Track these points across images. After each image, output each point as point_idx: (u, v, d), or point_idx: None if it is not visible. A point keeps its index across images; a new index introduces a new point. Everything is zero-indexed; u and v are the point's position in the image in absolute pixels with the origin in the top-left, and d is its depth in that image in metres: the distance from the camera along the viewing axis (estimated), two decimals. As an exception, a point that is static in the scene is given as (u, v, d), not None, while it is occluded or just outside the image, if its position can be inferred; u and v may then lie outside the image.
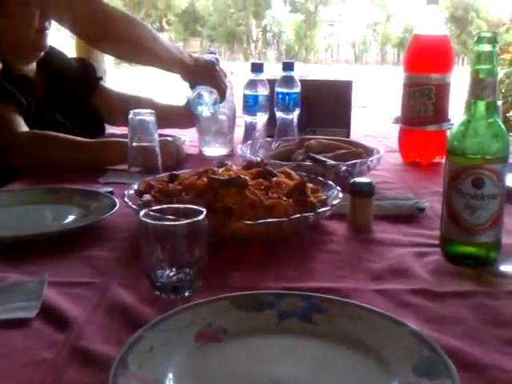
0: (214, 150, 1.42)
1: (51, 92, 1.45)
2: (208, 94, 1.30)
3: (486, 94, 0.70)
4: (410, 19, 22.86)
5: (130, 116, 1.15)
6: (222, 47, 23.26)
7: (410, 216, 0.93)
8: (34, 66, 1.42)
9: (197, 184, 0.85)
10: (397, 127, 1.44)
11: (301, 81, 1.73)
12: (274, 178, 0.88)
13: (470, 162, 0.70)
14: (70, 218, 0.91)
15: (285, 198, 0.82)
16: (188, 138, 1.51)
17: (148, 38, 1.28)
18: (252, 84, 1.34)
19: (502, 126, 0.71)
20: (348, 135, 1.68)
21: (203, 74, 1.32)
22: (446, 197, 0.74)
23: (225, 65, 1.36)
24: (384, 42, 22.85)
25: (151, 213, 0.66)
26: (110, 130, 1.72)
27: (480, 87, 0.70)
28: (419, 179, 1.21)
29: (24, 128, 1.27)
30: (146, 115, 1.15)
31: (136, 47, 1.27)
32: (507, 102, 4.34)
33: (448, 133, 0.79)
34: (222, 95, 1.33)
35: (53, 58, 1.46)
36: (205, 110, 1.31)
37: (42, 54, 1.40)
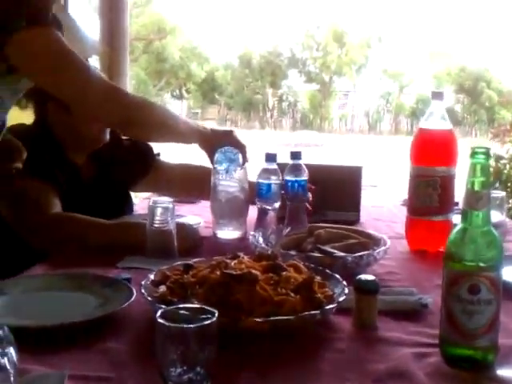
0: (228, 233, 1.47)
1: (99, 177, 1.54)
2: (231, 153, 1.38)
3: (480, 205, 0.75)
4: (423, 90, 23.42)
5: (150, 204, 1.23)
6: (239, 115, 23.91)
7: (413, 312, 0.96)
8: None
9: (210, 277, 0.90)
10: (405, 210, 1.48)
11: (312, 166, 1.81)
12: (284, 273, 0.93)
13: (467, 268, 0.75)
14: (90, 306, 0.96)
15: (293, 295, 0.87)
16: (202, 219, 1.57)
17: (166, 117, 1.37)
18: (265, 173, 1.41)
19: (496, 235, 0.76)
20: (358, 219, 1.74)
21: (222, 137, 1.40)
22: (444, 300, 0.78)
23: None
24: (397, 111, 23.32)
25: (167, 312, 0.71)
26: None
27: (475, 198, 0.76)
28: (425, 270, 1.24)
29: (55, 209, 1.35)
30: (166, 203, 1.22)
31: (156, 128, 1.35)
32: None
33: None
34: (244, 154, 1.41)
35: (104, 144, 1.54)
36: (230, 169, 1.38)
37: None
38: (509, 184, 4.37)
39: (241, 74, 23.62)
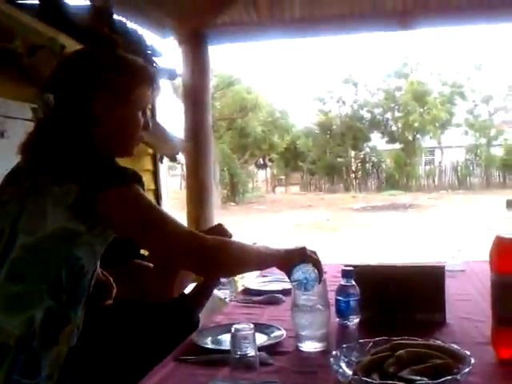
0: (310, 345, 1.50)
1: None
2: (308, 270, 1.42)
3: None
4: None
5: (233, 331, 1.29)
6: (322, 179, 24.01)
7: None
8: None
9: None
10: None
11: (395, 267, 1.82)
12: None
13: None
14: None
15: None
16: (285, 332, 1.61)
17: (243, 252, 1.44)
18: (343, 289, 1.45)
19: None
20: (444, 320, 1.71)
21: (296, 256, 1.45)
22: None
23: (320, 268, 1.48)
24: (487, 164, 22.47)
25: None
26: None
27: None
28: (514, 389, 1.20)
29: None
30: (247, 330, 1.28)
31: (236, 265, 1.43)
32: None
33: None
34: (320, 268, 1.45)
35: None
36: (309, 286, 1.42)
37: None
38: None
39: (322, 141, 23.91)
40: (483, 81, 24.25)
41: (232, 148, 20.30)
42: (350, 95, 24.71)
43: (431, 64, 24.38)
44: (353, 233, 11.41)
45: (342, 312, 1.43)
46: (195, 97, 4.38)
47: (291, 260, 1.43)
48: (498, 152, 22.78)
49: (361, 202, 17.74)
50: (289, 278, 1.45)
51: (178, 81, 4.71)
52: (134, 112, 1.36)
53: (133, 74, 1.37)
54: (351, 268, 1.46)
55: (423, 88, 23.13)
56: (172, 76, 4.33)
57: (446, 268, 2.35)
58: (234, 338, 1.28)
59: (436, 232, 10.41)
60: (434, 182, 22.80)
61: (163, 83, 4.78)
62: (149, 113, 1.45)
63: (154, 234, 1.26)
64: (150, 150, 4.19)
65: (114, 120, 1.33)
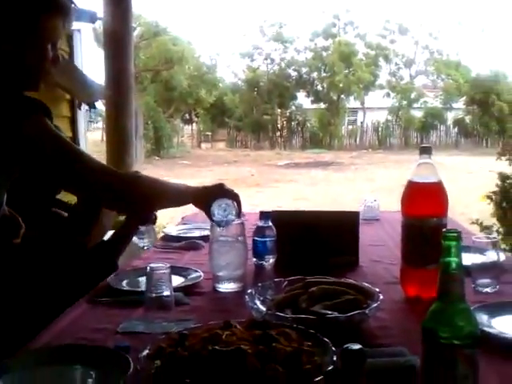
0: (227, 285, 1.51)
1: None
2: (227, 205, 1.42)
3: (455, 285, 0.79)
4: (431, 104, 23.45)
5: (148, 270, 1.27)
6: (249, 136, 24.05)
7: (403, 374, 0.98)
8: None
9: (201, 354, 0.93)
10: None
11: (310, 213, 1.85)
12: (274, 344, 0.96)
13: (443, 345, 0.78)
14: (89, 381, 1.00)
15: (281, 369, 0.90)
16: (203, 274, 1.61)
17: (156, 187, 1.42)
18: (260, 230, 1.46)
19: (472, 312, 0.79)
20: (357, 262, 1.77)
21: (213, 191, 1.45)
22: (422, 372, 0.81)
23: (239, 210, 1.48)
24: (407, 125, 23.28)
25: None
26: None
27: (449, 279, 0.79)
28: (418, 322, 1.26)
29: None
30: (163, 269, 1.26)
31: (149, 200, 1.41)
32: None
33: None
34: (238, 202, 1.45)
35: None
36: (229, 219, 1.42)
37: None
38: (517, 203, 4.36)
39: (249, 98, 23.80)
40: (406, 45, 24.92)
41: (157, 101, 19.77)
42: (278, 53, 24.64)
43: (358, 26, 24.71)
44: (276, 187, 11.61)
45: (259, 252, 1.45)
46: (116, 43, 4.20)
47: (209, 195, 1.42)
48: (417, 114, 23.64)
49: (285, 159, 17.99)
50: (207, 214, 1.44)
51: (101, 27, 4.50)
52: (41, 42, 1.29)
53: (42, 1, 1.28)
54: (269, 210, 1.48)
55: (349, 49, 23.41)
56: (92, 19, 4.13)
57: (362, 217, 2.45)
58: (149, 277, 1.26)
59: (354, 187, 10.77)
60: (355, 141, 23.41)
61: (83, 26, 4.55)
62: (64, 54, 1.38)
63: (72, 166, 1.22)
64: (68, 96, 4.00)
65: (20, 50, 1.25)
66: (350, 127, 24.40)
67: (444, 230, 0.81)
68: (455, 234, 0.79)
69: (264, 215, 1.46)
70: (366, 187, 10.39)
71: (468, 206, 7.16)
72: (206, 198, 1.45)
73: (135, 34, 17.75)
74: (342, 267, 1.68)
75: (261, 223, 1.46)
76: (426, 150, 1.41)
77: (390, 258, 1.80)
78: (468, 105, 22.77)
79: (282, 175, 13.88)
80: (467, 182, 10.35)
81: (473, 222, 4.39)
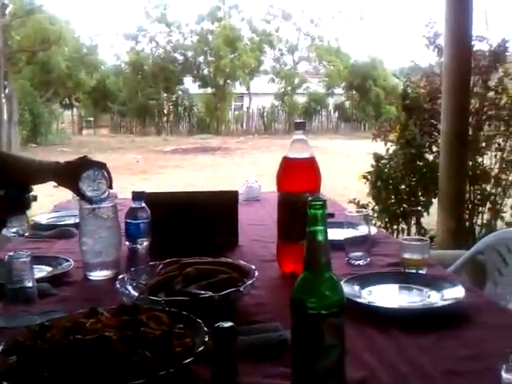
0: (99, 273, 1.43)
1: None
2: (96, 177, 1.33)
3: (321, 253, 0.78)
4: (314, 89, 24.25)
5: (6, 259, 1.16)
6: (134, 122, 23.40)
7: (276, 349, 0.98)
8: None
9: (62, 344, 0.86)
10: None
11: (188, 194, 1.81)
12: (142, 328, 0.91)
13: (310, 315, 0.77)
14: None
15: (148, 354, 0.85)
16: (73, 263, 1.52)
17: (16, 164, 1.31)
18: (133, 212, 1.39)
19: (337, 281, 0.79)
20: (237, 242, 1.76)
21: (78, 164, 1.35)
22: (292, 344, 0.80)
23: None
24: (291, 111, 23.88)
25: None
26: None
27: (316, 247, 0.78)
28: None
29: None
30: (23, 257, 1.16)
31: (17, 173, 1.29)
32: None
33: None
34: (107, 171, 1.37)
35: None
36: (99, 196, 1.34)
37: None
38: (390, 181, 4.60)
39: (133, 81, 23.10)
40: (290, 31, 25.47)
41: (33, 84, 18.56)
42: (163, 36, 24.13)
43: (242, 10, 24.82)
44: (163, 174, 11.42)
45: (132, 235, 1.38)
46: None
47: (73, 170, 1.33)
48: (301, 99, 24.31)
49: (172, 144, 17.74)
50: (75, 192, 1.34)
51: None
52: None
53: None
54: (142, 191, 1.41)
55: (234, 34, 23.48)
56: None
57: (244, 197, 2.45)
58: (7, 267, 1.16)
59: (240, 171, 10.89)
60: (242, 126, 23.63)
61: None
62: None
63: None
64: None
65: None
66: (236, 112, 24.55)
67: (309, 198, 0.79)
68: (320, 203, 0.78)
69: (136, 196, 1.39)
70: (251, 171, 10.54)
71: (347, 187, 7.49)
72: (70, 173, 1.35)
73: (7, 11, 16.52)
74: (221, 247, 1.66)
75: (133, 204, 1.39)
76: (300, 126, 1.42)
77: (269, 237, 1.80)
78: (347, 90, 23.81)
79: (168, 161, 13.68)
80: (347, 165, 10.83)
81: (350, 202, 4.57)
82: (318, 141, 14.40)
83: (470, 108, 4.13)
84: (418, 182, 4.56)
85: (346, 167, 10.20)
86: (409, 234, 4.61)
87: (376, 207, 4.60)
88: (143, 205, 1.39)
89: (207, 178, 10.54)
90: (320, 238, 0.78)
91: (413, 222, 4.63)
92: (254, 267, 1.29)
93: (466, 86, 3.87)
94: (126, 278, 1.25)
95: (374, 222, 4.62)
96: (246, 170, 10.93)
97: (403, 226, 4.64)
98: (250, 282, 1.20)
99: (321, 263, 0.78)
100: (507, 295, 1.86)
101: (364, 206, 4.58)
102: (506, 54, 4.54)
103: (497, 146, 4.64)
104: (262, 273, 1.33)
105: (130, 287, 1.21)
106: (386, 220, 4.61)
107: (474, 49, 4.32)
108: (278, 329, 1.05)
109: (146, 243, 1.37)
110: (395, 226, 4.63)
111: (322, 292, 0.78)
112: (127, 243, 1.40)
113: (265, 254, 1.64)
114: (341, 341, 0.78)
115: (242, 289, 1.17)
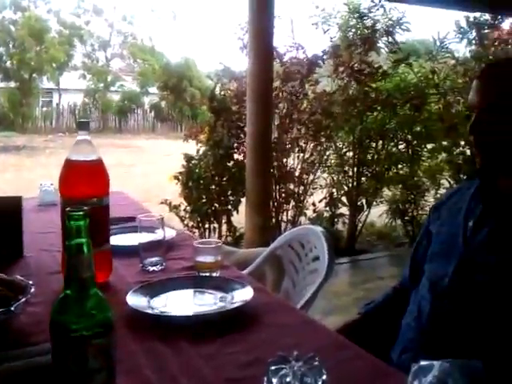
0: None
1: None
2: None
3: (82, 270, 0.70)
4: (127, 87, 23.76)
5: None
6: None
7: (39, 374, 0.87)
8: None
9: None
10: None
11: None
12: None
13: (72, 339, 0.69)
14: None
15: None
16: None
17: None
18: None
19: (103, 298, 0.72)
20: (21, 254, 1.59)
21: None
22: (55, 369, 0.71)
23: None
24: (105, 108, 23.07)
25: None
26: None
27: (76, 262, 0.70)
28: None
29: None
30: None
31: None
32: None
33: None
34: None
35: None
36: None
37: None
38: (201, 181, 4.63)
39: None
40: (101, 27, 24.64)
41: None
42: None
43: (50, 1, 23.35)
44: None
45: None
46: None
47: None
48: (115, 97, 23.60)
49: (-30, 143, 16.01)
50: None
51: None
52: None
53: None
54: None
55: (41, 25, 21.96)
56: None
57: (39, 202, 2.25)
58: None
59: (47, 173, 10.20)
60: (51, 124, 22.15)
61: None
62: None
63: None
64: None
65: None
66: (44, 109, 22.96)
67: (67, 209, 0.71)
68: (80, 213, 0.71)
69: None
70: (58, 172, 9.93)
71: (163, 188, 7.41)
72: None
73: None
74: (3, 260, 1.48)
75: None
76: (83, 126, 1.31)
77: (59, 246, 1.66)
78: (162, 90, 23.71)
79: (-36, 161, 12.31)
80: (164, 165, 10.74)
81: (162, 203, 4.51)
82: (135, 140, 14.10)
83: (276, 111, 4.32)
84: (227, 181, 4.66)
85: (164, 168, 10.11)
86: (220, 233, 4.70)
87: (188, 208, 4.60)
88: None
89: (8, 180, 9.66)
90: (81, 251, 0.70)
91: (224, 221, 4.72)
92: (31, 282, 1.16)
93: (268, 90, 4.03)
94: None
95: (186, 222, 4.62)
96: (53, 172, 10.25)
97: (215, 225, 4.71)
98: (22, 299, 1.07)
99: (83, 280, 0.70)
100: (302, 290, 1.95)
101: (176, 207, 4.55)
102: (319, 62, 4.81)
103: (299, 148, 4.94)
104: (44, 287, 1.21)
105: None
106: (198, 220, 4.64)
107: (291, 56, 4.58)
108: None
109: None
110: (207, 226, 4.68)
111: (85, 311, 0.70)
112: None
113: (52, 265, 1.50)
114: (108, 363, 0.71)
115: (12, 308, 1.03)
